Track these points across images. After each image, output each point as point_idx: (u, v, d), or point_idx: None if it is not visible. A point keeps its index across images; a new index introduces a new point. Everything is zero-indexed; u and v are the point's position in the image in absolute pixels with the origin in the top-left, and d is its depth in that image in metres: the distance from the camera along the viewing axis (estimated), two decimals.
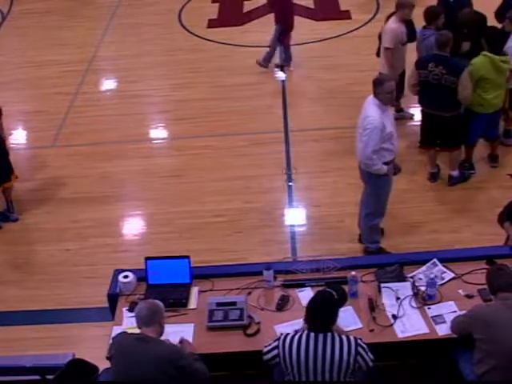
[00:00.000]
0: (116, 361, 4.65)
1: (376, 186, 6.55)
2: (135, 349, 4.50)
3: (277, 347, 4.54)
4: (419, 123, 8.15)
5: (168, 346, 4.62)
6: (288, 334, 4.58)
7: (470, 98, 7.33)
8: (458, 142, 7.74)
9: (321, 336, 4.47)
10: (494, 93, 7.44)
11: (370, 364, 4.52)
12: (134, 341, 4.55)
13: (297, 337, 4.52)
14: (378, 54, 8.66)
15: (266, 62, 10.39)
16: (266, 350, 4.64)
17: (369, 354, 4.51)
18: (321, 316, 4.52)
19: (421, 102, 7.76)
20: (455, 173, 7.87)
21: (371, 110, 6.20)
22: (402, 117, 8.92)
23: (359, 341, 4.52)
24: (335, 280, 5.30)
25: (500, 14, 8.43)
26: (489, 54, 7.34)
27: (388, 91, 6.16)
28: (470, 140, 7.84)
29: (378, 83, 6.20)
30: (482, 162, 8.20)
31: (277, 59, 10.53)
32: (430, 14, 8.03)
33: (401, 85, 8.28)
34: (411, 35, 8.29)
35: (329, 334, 4.48)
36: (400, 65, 8.40)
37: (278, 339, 4.58)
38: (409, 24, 8.28)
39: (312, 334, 4.49)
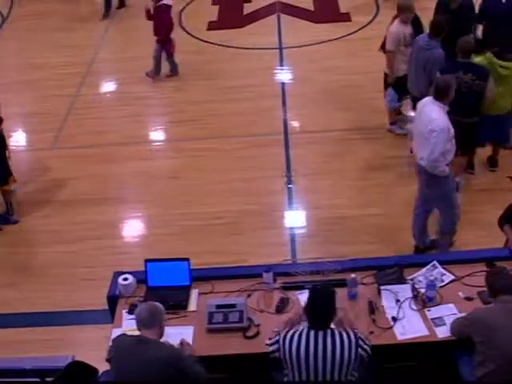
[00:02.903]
0: (116, 363, 4.65)
1: (446, 185, 6.50)
2: (135, 351, 4.51)
3: (277, 342, 4.57)
4: None
5: (168, 347, 4.62)
6: (288, 331, 4.59)
7: (494, 98, 7.25)
8: (474, 146, 7.76)
9: (321, 334, 4.48)
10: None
11: (369, 351, 4.58)
12: (134, 343, 4.55)
13: (297, 335, 4.52)
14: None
15: (154, 74, 10.55)
16: (269, 342, 4.70)
17: (366, 341, 4.59)
18: (322, 313, 4.54)
19: None
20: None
21: (435, 112, 6.18)
22: (400, 120, 8.91)
23: (358, 333, 4.58)
24: (335, 282, 5.29)
25: None
26: (490, 56, 7.29)
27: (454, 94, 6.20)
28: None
29: (446, 92, 6.15)
30: (483, 165, 8.20)
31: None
32: (437, 27, 7.68)
33: (404, 88, 8.21)
34: (418, 34, 8.09)
35: (328, 331, 4.49)
36: (402, 67, 8.27)
37: (279, 334, 4.60)
38: (415, 23, 8.21)
39: (312, 332, 4.50)
